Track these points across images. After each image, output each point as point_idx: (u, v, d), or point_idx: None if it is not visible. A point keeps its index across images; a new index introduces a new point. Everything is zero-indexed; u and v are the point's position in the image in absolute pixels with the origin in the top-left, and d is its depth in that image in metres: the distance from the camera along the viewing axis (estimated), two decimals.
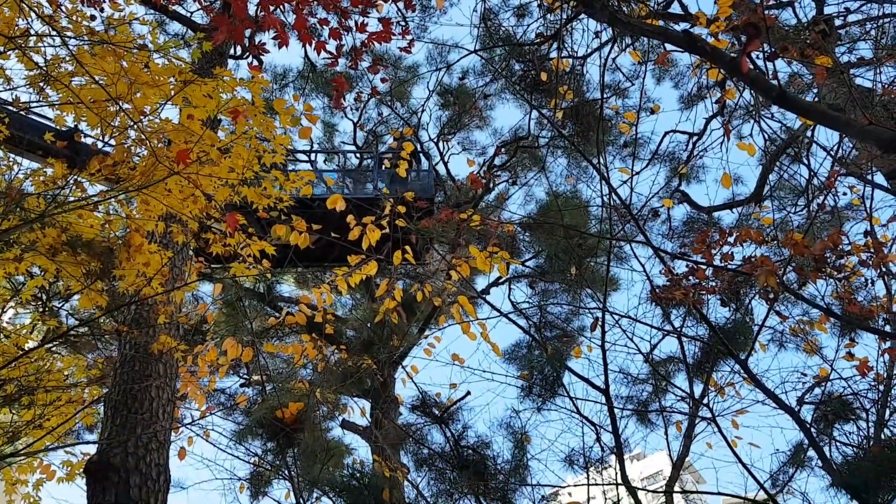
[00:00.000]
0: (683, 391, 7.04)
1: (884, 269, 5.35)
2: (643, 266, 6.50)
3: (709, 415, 6.88)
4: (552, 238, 8.95)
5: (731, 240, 5.13)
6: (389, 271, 9.10)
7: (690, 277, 5.48)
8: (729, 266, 5.25)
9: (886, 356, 6.46)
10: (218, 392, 11.46)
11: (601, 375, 7.06)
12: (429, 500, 7.71)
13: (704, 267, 5.39)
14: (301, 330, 9.89)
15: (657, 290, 5.53)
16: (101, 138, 4.97)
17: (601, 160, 6.83)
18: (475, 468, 7.60)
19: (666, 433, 7.71)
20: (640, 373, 7.83)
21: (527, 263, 12.11)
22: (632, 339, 6.70)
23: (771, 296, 5.17)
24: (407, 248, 7.48)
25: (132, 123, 4.69)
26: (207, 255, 5.87)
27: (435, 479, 8.03)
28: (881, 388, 6.48)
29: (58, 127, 7.06)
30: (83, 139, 6.41)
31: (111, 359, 6.35)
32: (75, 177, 5.28)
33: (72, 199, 5.16)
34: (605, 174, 6.51)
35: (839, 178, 6.06)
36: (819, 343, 8.12)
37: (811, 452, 6.87)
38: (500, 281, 12.81)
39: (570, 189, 11.92)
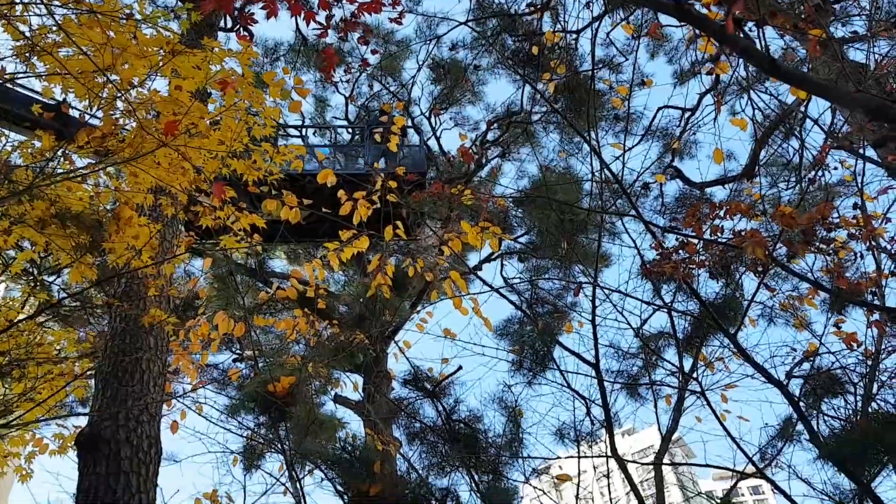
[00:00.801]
0: (673, 364, 7.08)
1: (873, 243, 5.36)
2: (634, 241, 6.52)
3: (698, 389, 6.94)
4: (544, 213, 8.94)
5: (720, 213, 5.13)
6: (381, 247, 9.09)
7: (680, 251, 5.49)
8: (718, 239, 5.26)
9: (874, 331, 6.50)
10: (210, 367, 11.48)
11: (592, 350, 7.11)
12: (420, 472, 7.76)
13: (694, 241, 5.39)
14: (293, 305, 9.89)
15: (647, 265, 5.53)
16: (89, 110, 4.92)
17: (593, 135, 6.81)
18: (467, 442, 7.65)
19: (655, 407, 7.78)
20: (630, 347, 7.88)
21: (519, 240, 12.12)
22: (622, 314, 6.73)
23: (760, 269, 5.18)
24: (398, 223, 7.47)
25: (120, 94, 4.64)
26: (197, 228, 5.85)
27: (427, 452, 8.08)
28: (869, 362, 6.53)
29: (45, 100, 7.00)
30: (70, 111, 6.35)
31: (102, 333, 6.34)
32: (63, 149, 5.23)
33: (60, 171, 5.11)
34: (597, 148, 6.50)
35: (830, 151, 6.05)
36: (808, 318, 8.18)
37: (799, 426, 6.95)
38: (493, 257, 12.82)
39: (562, 165, 11.90)
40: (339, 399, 10.77)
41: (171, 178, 4.82)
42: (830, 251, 5.15)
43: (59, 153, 5.26)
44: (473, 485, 7.61)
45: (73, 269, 5.44)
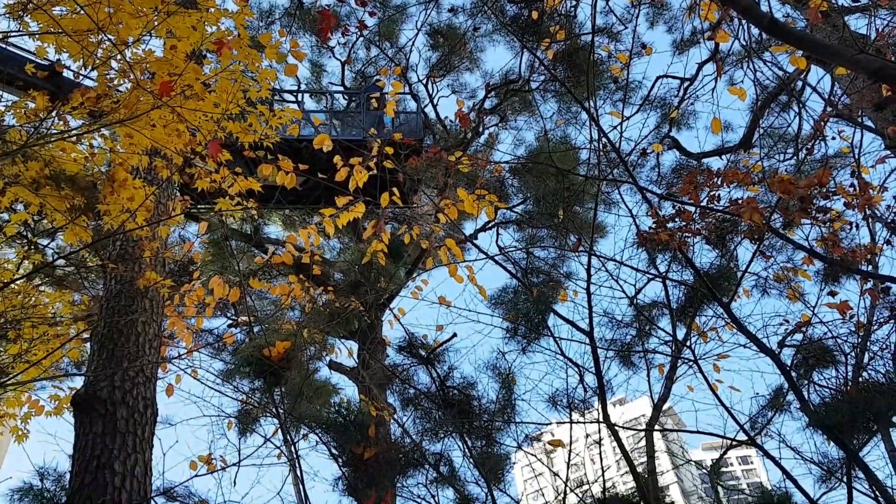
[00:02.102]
0: (667, 332, 7.11)
1: (869, 212, 5.37)
2: (630, 210, 6.52)
3: (691, 357, 6.99)
4: (541, 180, 8.91)
5: (718, 181, 5.12)
6: (377, 214, 9.08)
7: (676, 219, 5.49)
8: (715, 207, 5.26)
9: (867, 302, 6.54)
10: (206, 333, 11.50)
11: (586, 319, 7.14)
12: (414, 438, 7.83)
13: (691, 209, 5.39)
14: (288, 271, 9.90)
15: (643, 233, 5.53)
16: (83, 70, 4.87)
17: (591, 103, 6.77)
18: (460, 408, 7.71)
19: (648, 376, 7.83)
20: (624, 316, 7.91)
21: (515, 209, 12.10)
22: (617, 282, 6.74)
23: (756, 236, 5.18)
24: (394, 189, 7.45)
25: (115, 54, 4.59)
26: (192, 190, 5.81)
27: (421, 418, 8.14)
28: (861, 333, 6.58)
29: (39, 59, 6.91)
30: (64, 71, 6.28)
31: (98, 297, 6.35)
32: (57, 110, 5.18)
33: (54, 132, 5.07)
34: (595, 116, 6.47)
35: (829, 120, 6.03)
36: (802, 290, 8.21)
37: (790, 396, 7.02)
38: (489, 226, 12.81)
39: (559, 133, 11.84)
40: (333, 365, 10.83)
41: (167, 140, 4.79)
42: (826, 220, 5.15)
43: (54, 114, 5.21)
44: (466, 450, 7.69)
45: (68, 230, 5.42)
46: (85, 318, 5.99)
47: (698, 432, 6.52)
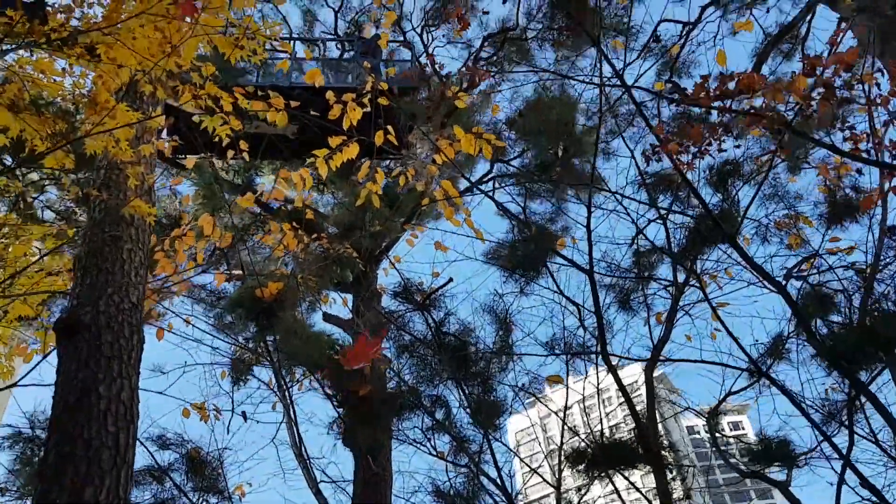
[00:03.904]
0: (672, 258, 6.90)
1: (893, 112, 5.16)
2: (630, 150, 6.33)
3: (697, 293, 6.85)
4: (541, 125, 8.65)
5: (731, 86, 4.90)
6: (373, 161, 8.86)
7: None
8: (722, 103, 5.00)
9: (875, 237, 6.37)
10: (199, 288, 11.32)
11: (586, 260, 6.97)
12: (410, 384, 7.68)
13: (698, 111, 5.14)
14: (281, 221, 9.69)
15: (654, 142, 5.31)
16: None
17: (598, 35, 6.55)
18: (455, 351, 7.55)
19: (648, 319, 7.69)
20: (624, 258, 7.75)
21: (512, 163, 11.87)
22: (626, 210, 6.54)
23: (775, 127, 4.95)
24: (389, 128, 7.22)
25: None
26: (174, 108, 5.56)
27: (416, 365, 7.98)
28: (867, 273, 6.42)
29: None
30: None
31: (82, 223, 6.16)
32: (34, 27, 4.95)
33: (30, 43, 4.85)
34: (601, 49, 6.27)
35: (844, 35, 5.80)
36: (805, 237, 8.04)
37: (793, 339, 6.90)
38: (486, 179, 12.60)
39: (558, 85, 11.56)
40: (328, 317, 10.65)
41: (149, 54, 4.57)
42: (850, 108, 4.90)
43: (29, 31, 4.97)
44: (463, 398, 7.55)
45: (49, 157, 5.22)
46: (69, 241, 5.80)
47: (700, 361, 6.38)
